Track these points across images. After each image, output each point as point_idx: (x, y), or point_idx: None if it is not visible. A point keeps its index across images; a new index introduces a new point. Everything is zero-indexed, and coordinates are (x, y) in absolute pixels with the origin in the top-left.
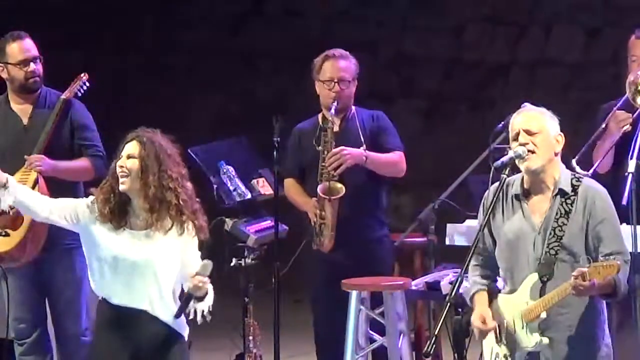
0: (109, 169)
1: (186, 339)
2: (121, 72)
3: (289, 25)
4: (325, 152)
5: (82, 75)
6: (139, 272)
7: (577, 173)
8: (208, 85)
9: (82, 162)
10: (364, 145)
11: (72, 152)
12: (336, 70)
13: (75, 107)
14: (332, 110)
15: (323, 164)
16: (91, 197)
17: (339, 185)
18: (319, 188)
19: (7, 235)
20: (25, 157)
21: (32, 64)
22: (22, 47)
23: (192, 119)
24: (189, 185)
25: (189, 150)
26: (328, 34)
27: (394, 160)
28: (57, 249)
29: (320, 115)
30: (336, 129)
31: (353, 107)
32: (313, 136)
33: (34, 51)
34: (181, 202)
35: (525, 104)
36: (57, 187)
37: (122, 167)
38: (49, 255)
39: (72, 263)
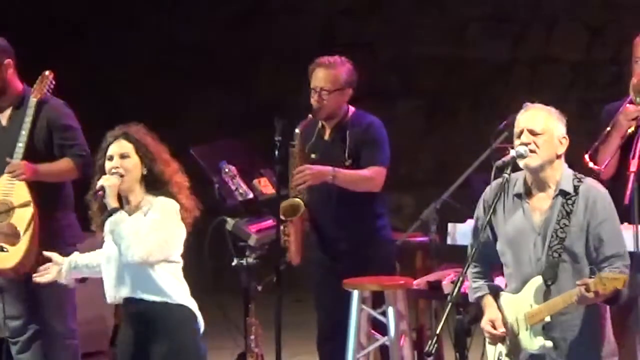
0: (92, 166)
1: (183, 302)
2: (122, 71)
3: (290, 24)
4: (293, 169)
5: (48, 73)
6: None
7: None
8: (209, 85)
9: (65, 163)
10: (348, 161)
11: (52, 152)
12: (317, 79)
13: (49, 107)
14: (300, 126)
15: (290, 180)
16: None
17: (298, 202)
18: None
19: (4, 250)
20: (7, 159)
21: None
22: None
23: (194, 118)
24: (175, 165)
25: (190, 150)
26: (330, 33)
27: (365, 177)
28: (42, 248)
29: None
30: (327, 137)
31: (350, 113)
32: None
33: None
34: (175, 182)
35: (527, 104)
36: (43, 189)
37: (117, 167)
38: None
39: None
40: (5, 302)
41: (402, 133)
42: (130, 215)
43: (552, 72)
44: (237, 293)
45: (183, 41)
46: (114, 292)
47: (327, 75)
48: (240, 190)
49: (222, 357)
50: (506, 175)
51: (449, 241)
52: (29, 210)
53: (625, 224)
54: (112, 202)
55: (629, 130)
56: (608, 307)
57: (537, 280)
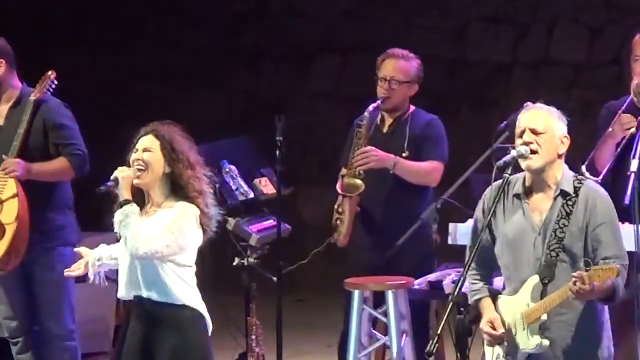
0: (87, 166)
1: (191, 304)
2: (123, 71)
3: (291, 25)
4: (356, 148)
5: (50, 73)
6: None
7: (584, 177)
8: (210, 85)
9: (60, 163)
10: (406, 152)
11: (47, 152)
12: (388, 69)
13: (46, 106)
14: (370, 107)
15: (352, 159)
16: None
17: (359, 182)
18: (338, 184)
19: None
20: (3, 156)
21: None
22: None
23: (194, 118)
24: (202, 171)
25: None
26: (331, 34)
27: (425, 170)
28: (38, 248)
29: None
30: (386, 129)
31: (411, 109)
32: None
33: None
34: (194, 186)
35: (528, 103)
36: (39, 189)
37: (138, 160)
38: (30, 255)
39: (52, 263)
40: (3, 303)
41: None
42: (148, 212)
43: (552, 73)
44: (238, 293)
45: (184, 41)
46: (126, 289)
47: (399, 66)
48: (241, 190)
49: (223, 356)
50: (506, 176)
51: (449, 241)
52: (15, 205)
53: (626, 223)
54: (124, 193)
55: (623, 135)
56: (606, 308)
57: (534, 279)
